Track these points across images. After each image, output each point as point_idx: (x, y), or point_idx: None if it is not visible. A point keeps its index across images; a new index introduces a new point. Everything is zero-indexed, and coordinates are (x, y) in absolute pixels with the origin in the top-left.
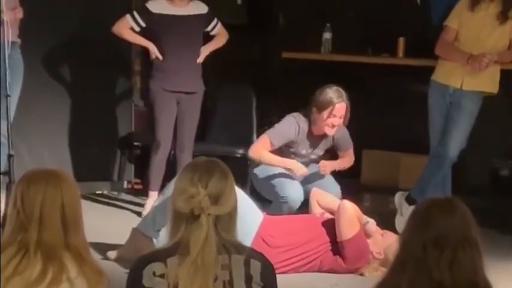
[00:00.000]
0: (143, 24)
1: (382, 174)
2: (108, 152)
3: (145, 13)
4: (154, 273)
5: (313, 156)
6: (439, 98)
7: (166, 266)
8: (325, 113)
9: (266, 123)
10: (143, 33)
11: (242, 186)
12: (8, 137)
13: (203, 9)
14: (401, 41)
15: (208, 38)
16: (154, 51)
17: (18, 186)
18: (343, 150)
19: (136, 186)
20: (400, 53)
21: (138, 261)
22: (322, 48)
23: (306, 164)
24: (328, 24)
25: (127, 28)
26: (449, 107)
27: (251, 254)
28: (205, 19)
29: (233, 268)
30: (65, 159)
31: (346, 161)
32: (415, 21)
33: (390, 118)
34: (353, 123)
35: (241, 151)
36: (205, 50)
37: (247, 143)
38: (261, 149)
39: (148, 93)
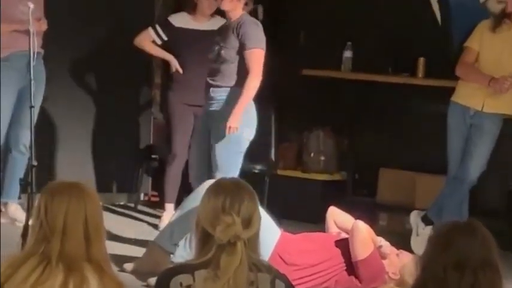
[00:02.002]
0: (165, 38)
1: (398, 194)
2: (127, 163)
3: (167, 26)
4: (181, 284)
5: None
6: (459, 119)
7: (193, 278)
8: None
9: (285, 139)
10: (164, 46)
11: (260, 202)
12: (31, 147)
13: None
14: (421, 61)
15: None
16: (174, 64)
17: (42, 197)
18: (245, 49)
19: (153, 199)
20: (420, 73)
21: (166, 272)
22: (342, 66)
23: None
24: (349, 43)
25: (149, 41)
26: (470, 129)
27: (277, 274)
28: None
29: (260, 286)
30: (84, 169)
31: (245, 95)
32: (435, 41)
33: (408, 137)
34: (371, 142)
35: (259, 167)
36: None
37: (266, 159)
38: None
39: (167, 106)
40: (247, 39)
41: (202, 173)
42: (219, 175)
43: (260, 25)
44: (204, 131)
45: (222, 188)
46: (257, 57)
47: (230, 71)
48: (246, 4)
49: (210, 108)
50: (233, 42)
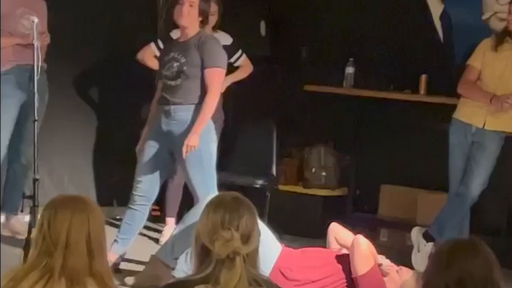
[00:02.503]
0: None
1: (400, 210)
2: (128, 177)
3: (169, 41)
4: None
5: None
6: (460, 136)
7: None
8: (176, 4)
9: (286, 154)
10: None
11: (261, 216)
12: (34, 161)
13: (227, 40)
14: (423, 78)
15: (233, 68)
16: None
17: (45, 211)
18: (206, 68)
19: (154, 213)
20: (422, 90)
21: (166, 287)
22: (344, 83)
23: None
24: (351, 59)
25: (151, 56)
26: (471, 146)
27: None
28: (229, 50)
29: None
30: (85, 183)
31: (204, 113)
32: (438, 58)
33: (409, 154)
34: (372, 158)
35: (260, 182)
36: (227, 81)
37: (267, 174)
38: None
39: None
40: (209, 58)
41: (151, 189)
42: (198, 193)
43: (220, 43)
44: (162, 149)
45: (222, 203)
46: (217, 77)
47: (193, 88)
48: (202, 22)
49: (169, 128)
50: (196, 60)
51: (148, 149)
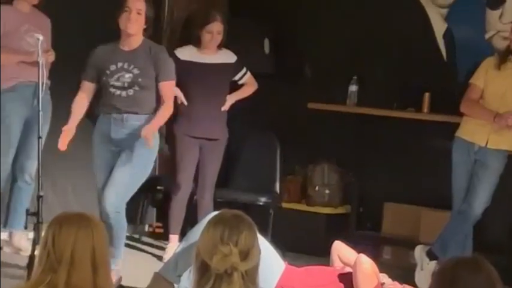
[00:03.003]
0: None
1: (403, 228)
2: (132, 195)
3: (174, 60)
4: None
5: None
6: (463, 154)
7: None
8: (121, 12)
9: (289, 172)
10: None
11: (264, 234)
12: (38, 178)
13: (231, 58)
14: (426, 96)
15: (237, 85)
16: (180, 96)
17: (49, 228)
18: (160, 81)
19: (157, 230)
20: (425, 108)
21: None
22: (348, 100)
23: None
24: (354, 77)
25: None
26: (474, 165)
27: None
28: (233, 68)
29: None
30: (89, 200)
31: (159, 119)
32: (441, 77)
33: (413, 172)
34: (375, 176)
35: (263, 199)
36: (231, 98)
37: (270, 191)
38: None
39: (172, 138)
40: (164, 71)
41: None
42: (111, 198)
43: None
44: (110, 159)
45: (222, 219)
46: (171, 89)
47: (147, 99)
48: (145, 30)
49: (119, 137)
50: (150, 71)
51: (100, 158)
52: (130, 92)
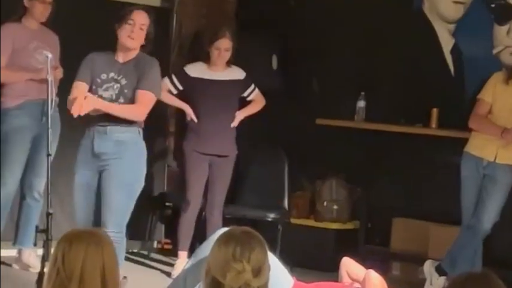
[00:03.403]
0: (180, 87)
1: (412, 243)
2: (140, 211)
3: (183, 76)
4: None
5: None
6: (472, 170)
7: None
8: (123, 21)
9: (298, 187)
10: (179, 95)
11: (272, 250)
12: (47, 195)
13: (240, 75)
14: (434, 111)
15: (246, 102)
16: (189, 113)
17: (59, 245)
18: (139, 88)
19: (166, 246)
20: (433, 124)
21: None
22: (356, 116)
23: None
24: (362, 93)
25: (165, 90)
26: (483, 180)
27: None
28: (242, 85)
29: None
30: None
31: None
32: (449, 92)
33: (421, 188)
34: (384, 191)
35: (272, 215)
36: (240, 115)
37: (279, 207)
38: None
39: (181, 154)
40: (144, 79)
41: (88, 214)
42: (111, 219)
43: (159, 68)
44: (93, 174)
45: (233, 236)
46: (147, 99)
47: None
48: (143, 46)
49: (102, 150)
50: (135, 81)
51: (80, 176)
52: (117, 103)
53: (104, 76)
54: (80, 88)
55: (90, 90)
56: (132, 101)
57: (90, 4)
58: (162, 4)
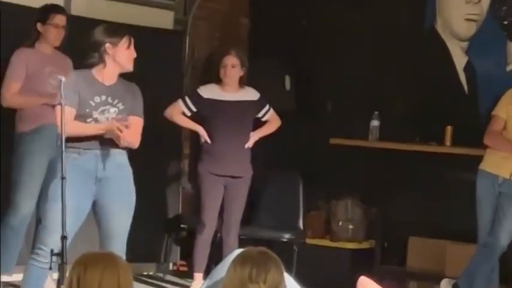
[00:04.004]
0: (194, 109)
1: (428, 262)
2: (156, 233)
3: (197, 98)
4: None
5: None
6: (488, 187)
7: None
8: (123, 43)
9: (313, 208)
10: (193, 117)
11: (288, 270)
12: (62, 218)
13: (254, 96)
14: (449, 129)
15: (261, 122)
16: (203, 134)
17: (74, 269)
18: (134, 114)
19: (181, 268)
20: (448, 142)
21: None
22: (369, 135)
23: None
24: (376, 112)
25: (178, 112)
26: (499, 197)
27: None
28: (256, 106)
29: None
30: None
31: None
32: (463, 109)
33: (437, 206)
34: (399, 210)
35: (287, 235)
36: (255, 136)
37: (294, 228)
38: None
39: (196, 176)
40: (137, 107)
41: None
42: (116, 244)
43: None
44: (87, 197)
45: (249, 257)
46: (139, 126)
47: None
48: None
49: (106, 174)
50: (130, 106)
51: (73, 199)
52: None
53: (97, 99)
54: (67, 114)
55: (79, 113)
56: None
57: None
58: (175, 27)
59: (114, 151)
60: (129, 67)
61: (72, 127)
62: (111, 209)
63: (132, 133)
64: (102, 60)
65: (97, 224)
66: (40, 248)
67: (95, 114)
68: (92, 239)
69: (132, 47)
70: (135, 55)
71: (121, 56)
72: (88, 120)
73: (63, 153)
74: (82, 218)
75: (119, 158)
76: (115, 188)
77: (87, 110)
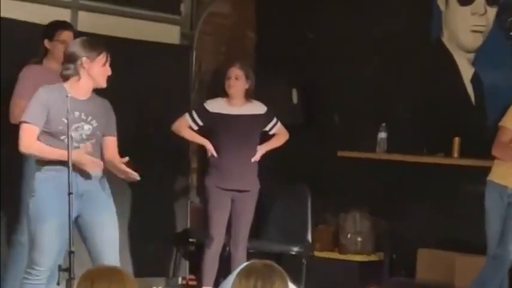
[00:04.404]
0: (201, 123)
1: (438, 274)
2: (164, 248)
3: (203, 112)
4: None
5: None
6: (496, 198)
7: None
8: (100, 58)
9: (321, 221)
10: (200, 131)
11: (297, 283)
12: (69, 233)
13: (261, 109)
14: (456, 140)
15: (269, 136)
16: (210, 148)
17: (80, 283)
18: (110, 135)
19: (191, 283)
20: (456, 153)
21: None
22: (377, 147)
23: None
24: (383, 124)
25: (186, 127)
26: (507, 208)
27: None
28: (263, 119)
29: None
30: (121, 254)
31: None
32: (470, 121)
33: (445, 218)
34: (408, 222)
35: (296, 249)
36: (262, 149)
37: (302, 241)
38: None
39: (204, 190)
40: (112, 125)
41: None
42: (109, 258)
43: None
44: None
45: (253, 270)
46: (115, 145)
47: (98, 150)
48: None
49: (86, 188)
50: (104, 124)
51: (53, 221)
52: (88, 144)
53: (70, 116)
54: (33, 133)
55: (48, 130)
56: (99, 141)
57: (110, 44)
58: (181, 42)
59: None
60: (102, 83)
61: (38, 150)
62: (96, 222)
63: (99, 162)
64: (76, 73)
65: (84, 242)
66: (33, 268)
67: (69, 132)
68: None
69: (108, 64)
70: (109, 72)
71: (96, 72)
72: (61, 137)
73: (70, 169)
74: (67, 235)
75: (97, 172)
76: (96, 201)
77: (60, 128)
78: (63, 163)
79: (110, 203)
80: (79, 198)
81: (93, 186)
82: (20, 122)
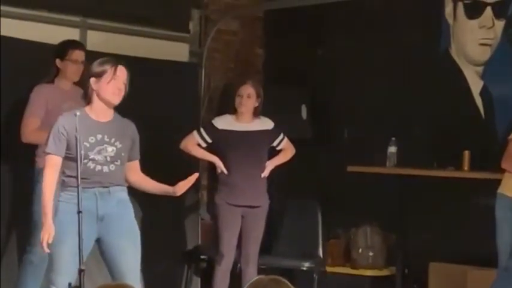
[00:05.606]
0: (209, 140)
1: (450, 287)
2: (175, 265)
3: (212, 129)
4: None
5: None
6: (507, 211)
7: None
8: (106, 76)
9: (332, 236)
10: (209, 148)
11: None
12: (79, 251)
13: (269, 125)
14: (466, 154)
15: (276, 151)
16: (219, 165)
17: None
18: (136, 159)
19: None
20: (466, 166)
21: None
22: (387, 162)
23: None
24: (393, 138)
25: (194, 144)
26: None
27: None
28: (271, 135)
29: None
30: None
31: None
32: (480, 134)
33: (456, 231)
34: (419, 236)
35: (307, 264)
36: (271, 165)
37: (314, 256)
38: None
39: (214, 207)
40: (137, 149)
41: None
42: (134, 279)
43: None
44: (90, 237)
45: (260, 285)
46: (139, 167)
47: (123, 171)
48: None
49: (107, 211)
50: (129, 146)
51: (71, 244)
52: (112, 167)
53: (92, 139)
54: (53, 162)
55: (70, 155)
56: (124, 163)
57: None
58: (190, 59)
59: (113, 188)
60: (112, 100)
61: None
62: (117, 247)
63: (140, 175)
64: (88, 96)
65: (106, 264)
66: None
67: (91, 155)
68: (107, 272)
69: (115, 79)
70: (118, 87)
71: (104, 90)
72: (84, 161)
73: (79, 187)
74: (84, 258)
75: (119, 195)
76: (118, 225)
77: (83, 152)
78: (85, 186)
79: (132, 227)
80: (100, 222)
81: (114, 209)
82: (44, 153)
